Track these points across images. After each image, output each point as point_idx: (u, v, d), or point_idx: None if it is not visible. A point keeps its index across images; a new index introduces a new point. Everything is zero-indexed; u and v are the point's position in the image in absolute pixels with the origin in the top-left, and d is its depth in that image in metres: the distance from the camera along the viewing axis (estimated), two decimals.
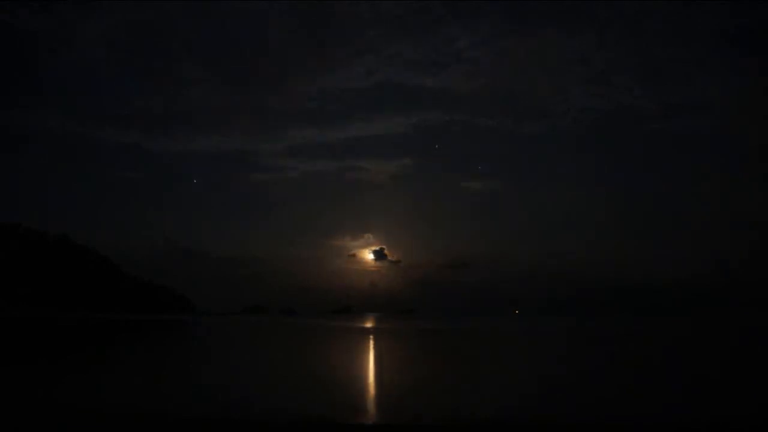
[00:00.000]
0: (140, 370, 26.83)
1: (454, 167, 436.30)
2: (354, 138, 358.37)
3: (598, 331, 79.37)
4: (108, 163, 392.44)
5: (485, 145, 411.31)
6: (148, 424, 14.28)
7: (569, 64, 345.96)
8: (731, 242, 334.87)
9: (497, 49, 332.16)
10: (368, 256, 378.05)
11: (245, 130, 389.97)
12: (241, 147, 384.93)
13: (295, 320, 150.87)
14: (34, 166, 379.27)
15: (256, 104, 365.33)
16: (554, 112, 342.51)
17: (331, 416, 15.46)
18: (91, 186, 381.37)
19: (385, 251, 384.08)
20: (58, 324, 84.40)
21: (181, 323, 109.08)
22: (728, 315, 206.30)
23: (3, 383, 21.52)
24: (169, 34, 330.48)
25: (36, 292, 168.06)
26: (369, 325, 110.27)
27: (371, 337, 62.32)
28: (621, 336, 66.80)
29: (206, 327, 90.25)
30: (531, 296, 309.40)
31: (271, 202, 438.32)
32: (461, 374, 27.01)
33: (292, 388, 21.29)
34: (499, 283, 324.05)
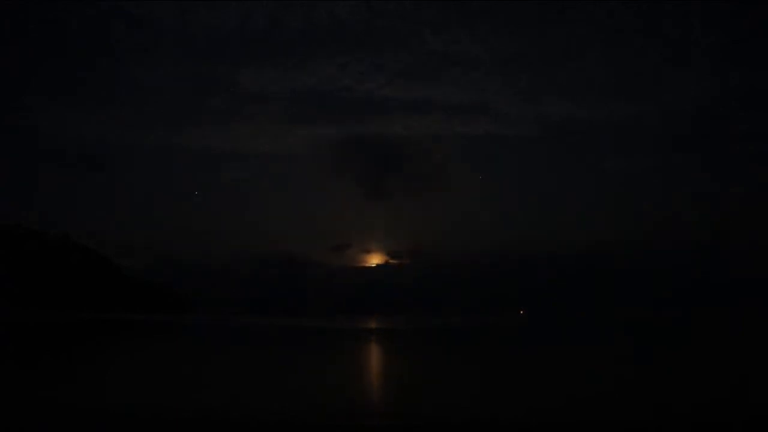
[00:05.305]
0: (140, 370, 26.81)
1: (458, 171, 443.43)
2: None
3: (598, 330, 79.30)
4: (109, 161, 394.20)
5: (485, 150, 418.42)
6: (148, 424, 14.27)
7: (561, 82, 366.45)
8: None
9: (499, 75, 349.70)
10: (370, 256, 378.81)
11: (238, 130, 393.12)
12: (237, 149, 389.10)
13: (297, 320, 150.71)
14: (36, 166, 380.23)
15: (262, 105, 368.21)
16: (549, 121, 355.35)
17: (330, 417, 15.44)
18: (92, 186, 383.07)
19: (388, 252, 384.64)
20: (58, 324, 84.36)
21: (181, 323, 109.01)
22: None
23: (3, 383, 21.50)
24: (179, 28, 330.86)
25: (36, 292, 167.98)
26: (371, 325, 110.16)
27: (372, 337, 62.30)
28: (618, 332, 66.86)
29: (207, 327, 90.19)
30: (535, 295, 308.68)
31: (275, 203, 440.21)
32: (459, 374, 27.01)
33: (292, 388, 21.27)
34: (505, 283, 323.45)
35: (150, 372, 26.33)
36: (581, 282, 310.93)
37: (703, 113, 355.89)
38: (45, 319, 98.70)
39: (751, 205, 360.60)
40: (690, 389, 21.22)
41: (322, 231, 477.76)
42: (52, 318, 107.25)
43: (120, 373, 26.11)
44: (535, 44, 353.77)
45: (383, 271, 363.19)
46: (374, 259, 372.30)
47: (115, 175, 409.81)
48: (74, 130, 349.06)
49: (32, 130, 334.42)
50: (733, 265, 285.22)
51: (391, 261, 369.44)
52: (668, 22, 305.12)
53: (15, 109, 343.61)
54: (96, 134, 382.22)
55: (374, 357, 36.85)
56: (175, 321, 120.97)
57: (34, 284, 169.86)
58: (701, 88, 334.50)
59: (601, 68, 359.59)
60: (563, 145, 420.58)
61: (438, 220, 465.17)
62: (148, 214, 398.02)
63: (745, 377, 24.87)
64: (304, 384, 22.57)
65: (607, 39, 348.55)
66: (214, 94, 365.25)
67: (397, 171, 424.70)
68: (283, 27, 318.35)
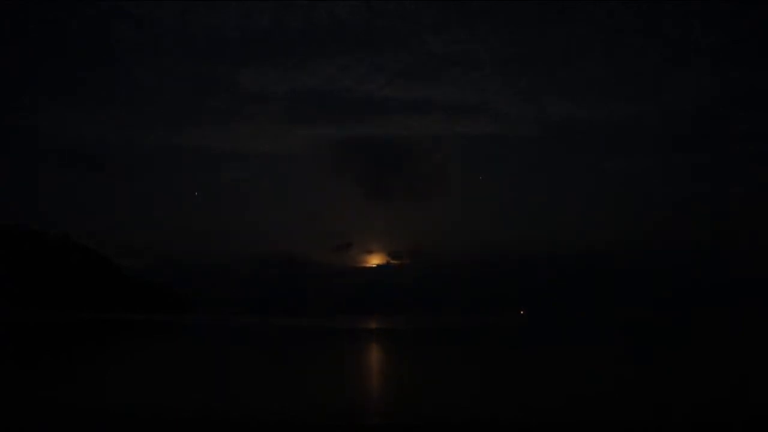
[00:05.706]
0: (140, 370, 26.81)
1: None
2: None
3: (598, 330, 79.36)
4: (109, 161, 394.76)
5: (485, 150, 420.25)
6: (148, 424, 14.28)
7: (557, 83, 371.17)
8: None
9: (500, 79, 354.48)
10: (371, 256, 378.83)
11: (234, 130, 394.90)
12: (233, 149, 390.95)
13: (297, 320, 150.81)
14: (36, 166, 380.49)
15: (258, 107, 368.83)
16: (549, 121, 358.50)
17: (330, 417, 15.44)
18: (92, 186, 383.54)
19: (388, 252, 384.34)
20: (58, 324, 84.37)
21: (181, 323, 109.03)
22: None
23: (3, 383, 21.51)
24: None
25: (36, 292, 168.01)
26: (371, 325, 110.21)
27: (372, 337, 62.31)
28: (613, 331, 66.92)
29: (207, 327, 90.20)
30: (535, 295, 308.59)
31: (275, 203, 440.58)
32: (459, 374, 27.02)
33: (292, 388, 21.28)
34: (505, 283, 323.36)
35: (150, 372, 26.33)
36: (581, 282, 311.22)
37: (703, 113, 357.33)
38: (45, 319, 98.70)
39: (751, 205, 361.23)
40: (690, 389, 21.22)
41: (322, 231, 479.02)
42: (52, 318, 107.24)
43: (120, 373, 26.10)
44: (535, 44, 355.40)
45: (383, 272, 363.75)
46: (375, 260, 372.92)
47: (115, 175, 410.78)
48: (74, 130, 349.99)
49: (32, 130, 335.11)
50: (733, 265, 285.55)
51: (391, 261, 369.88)
52: (668, 22, 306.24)
53: (15, 109, 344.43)
54: (96, 134, 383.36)
55: (374, 357, 36.86)
56: (175, 321, 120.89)
57: (34, 284, 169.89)
58: (701, 88, 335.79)
59: (601, 68, 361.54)
60: (563, 145, 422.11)
61: (438, 220, 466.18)
62: (148, 214, 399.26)
63: (745, 377, 24.88)
64: (304, 384, 22.57)
65: (607, 39, 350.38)
66: (214, 94, 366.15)
67: (397, 171, 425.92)
68: (284, 27, 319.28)
